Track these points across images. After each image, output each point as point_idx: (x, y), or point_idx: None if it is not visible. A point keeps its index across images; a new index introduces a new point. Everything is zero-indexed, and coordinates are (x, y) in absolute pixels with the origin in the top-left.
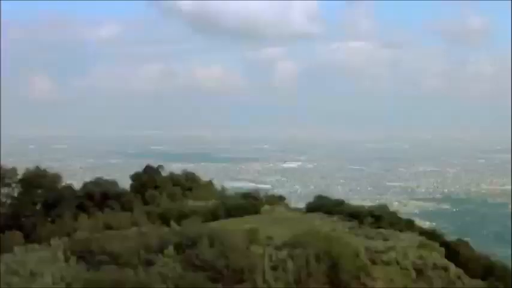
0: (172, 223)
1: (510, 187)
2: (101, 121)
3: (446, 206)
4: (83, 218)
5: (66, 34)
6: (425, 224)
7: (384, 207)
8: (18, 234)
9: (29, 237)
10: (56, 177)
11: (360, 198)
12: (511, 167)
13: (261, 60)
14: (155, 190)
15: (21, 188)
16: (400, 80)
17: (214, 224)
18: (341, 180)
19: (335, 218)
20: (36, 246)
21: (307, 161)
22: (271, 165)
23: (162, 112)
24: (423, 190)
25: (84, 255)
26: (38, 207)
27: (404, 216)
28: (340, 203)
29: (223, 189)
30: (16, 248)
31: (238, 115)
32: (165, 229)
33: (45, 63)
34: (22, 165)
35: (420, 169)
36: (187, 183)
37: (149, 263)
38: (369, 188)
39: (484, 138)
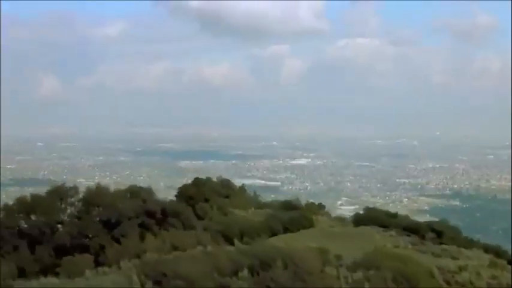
0: (238, 243)
1: None
2: (108, 119)
3: (455, 203)
4: (149, 238)
5: (72, 33)
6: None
7: (443, 222)
8: (87, 257)
9: (96, 259)
10: (117, 195)
11: (370, 195)
12: None
13: (268, 58)
14: (205, 203)
15: (82, 206)
16: (408, 77)
17: (276, 241)
18: (350, 177)
19: (393, 232)
20: (106, 269)
21: (316, 157)
22: (280, 162)
23: (170, 110)
24: (433, 187)
25: (159, 279)
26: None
27: (414, 213)
28: (393, 215)
29: (255, 195)
30: (87, 272)
31: (246, 112)
32: (231, 249)
33: (51, 62)
34: (31, 163)
35: (429, 165)
36: (224, 191)
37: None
38: (378, 185)
39: (493, 134)
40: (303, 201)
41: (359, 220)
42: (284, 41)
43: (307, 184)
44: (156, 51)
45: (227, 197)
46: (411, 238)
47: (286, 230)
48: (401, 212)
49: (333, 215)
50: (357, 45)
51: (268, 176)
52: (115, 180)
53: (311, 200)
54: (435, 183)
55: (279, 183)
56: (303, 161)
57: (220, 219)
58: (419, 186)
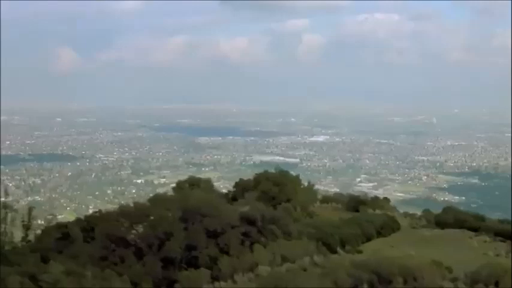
0: (343, 253)
1: None
2: (126, 94)
3: (474, 180)
4: (258, 249)
5: (90, 6)
6: (455, 199)
7: None
8: (204, 272)
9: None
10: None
11: (389, 172)
12: None
13: (287, 33)
14: (288, 203)
15: (186, 215)
16: (427, 53)
17: (380, 249)
18: (369, 154)
19: (486, 237)
20: (223, 284)
21: (335, 134)
22: (298, 139)
23: (187, 85)
24: (451, 164)
25: None
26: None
27: (433, 191)
28: (480, 217)
29: (310, 185)
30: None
31: (264, 88)
32: (343, 260)
33: (69, 36)
34: (49, 139)
35: (448, 143)
36: (281, 181)
37: None
38: (397, 162)
39: None
40: (322, 179)
41: (442, 221)
42: (303, 16)
43: (325, 161)
44: (175, 25)
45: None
46: (506, 245)
47: (378, 234)
48: (420, 189)
49: (352, 192)
50: (376, 21)
51: (287, 152)
52: (134, 156)
53: (329, 177)
54: (454, 161)
55: (297, 160)
56: (321, 138)
57: (312, 223)
58: (437, 164)
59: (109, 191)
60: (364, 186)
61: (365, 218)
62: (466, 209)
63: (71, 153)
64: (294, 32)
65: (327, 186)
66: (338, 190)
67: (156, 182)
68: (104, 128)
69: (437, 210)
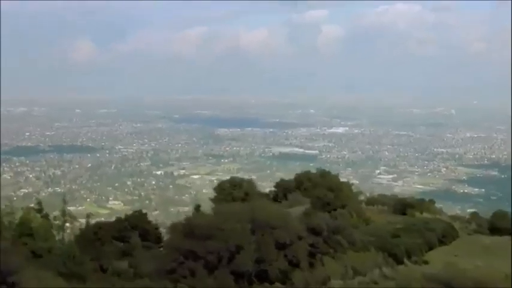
0: (410, 264)
1: None
2: (145, 85)
3: (494, 173)
4: (329, 261)
5: None
6: (474, 191)
7: None
8: (278, 287)
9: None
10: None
11: (408, 164)
12: None
13: (306, 23)
14: (343, 210)
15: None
16: (447, 44)
17: (438, 259)
18: (388, 146)
19: None
20: None
21: (354, 126)
22: (318, 130)
23: (206, 76)
24: (471, 156)
25: None
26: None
27: (453, 182)
28: None
29: (355, 188)
30: None
31: (283, 79)
32: (405, 270)
33: (88, 27)
34: (69, 130)
35: (467, 135)
36: (325, 183)
37: None
38: (416, 154)
39: None
40: (342, 171)
41: (496, 227)
42: (322, 6)
43: (345, 153)
44: (194, 17)
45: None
46: None
47: (439, 242)
48: (440, 181)
49: (372, 184)
50: (396, 11)
51: (306, 144)
52: (153, 147)
53: (349, 169)
54: (473, 153)
55: (317, 151)
56: (340, 130)
57: (370, 231)
58: (457, 156)
59: (129, 183)
60: (383, 178)
61: (423, 224)
62: (485, 201)
63: (90, 144)
64: (313, 23)
65: (346, 178)
66: (357, 182)
67: (175, 173)
68: (124, 119)
69: (457, 203)
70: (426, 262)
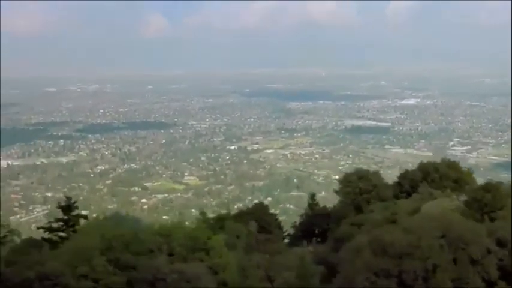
0: None
1: None
2: (214, 59)
3: None
4: None
5: None
6: None
7: None
8: None
9: None
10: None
11: (482, 136)
12: None
13: None
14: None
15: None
16: None
17: None
18: (460, 117)
19: None
20: None
21: (425, 97)
22: (389, 102)
23: (275, 49)
24: None
25: None
26: None
27: None
28: None
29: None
30: None
31: (352, 51)
32: None
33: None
34: (142, 106)
35: None
36: (452, 174)
37: None
38: (489, 125)
39: None
40: (415, 143)
41: None
42: None
43: (417, 125)
44: None
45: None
46: None
47: None
48: None
49: (446, 156)
50: None
51: (378, 116)
52: (226, 122)
53: (422, 141)
54: None
55: (389, 124)
56: (412, 101)
57: None
58: None
59: (203, 158)
60: (457, 150)
61: None
62: None
63: (163, 120)
64: None
65: (419, 151)
66: (431, 154)
67: (249, 148)
68: (195, 94)
69: None
70: None
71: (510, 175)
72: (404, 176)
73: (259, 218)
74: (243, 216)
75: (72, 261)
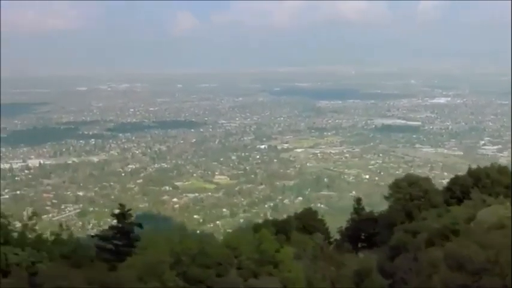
0: None
1: None
2: (244, 58)
3: None
4: None
5: None
6: None
7: None
8: None
9: None
10: None
11: None
12: None
13: None
14: None
15: None
16: None
17: None
18: (491, 116)
19: None
20: None
21: (456, 96)
22: (419, 101)
23: (303, 47)
24: None
25: None
26: None
27: None
28: None
29: None
30: None
31: (381, 49)
32: None
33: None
34: (172, 105)
35: None
36: (503, 179)
37: None
38: None
39: None
40: (446, 142)
41: None
42: None
43: (448, 124)
44: None
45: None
46: None
47: None
48: None
49: (477, 155)
50: None
51: (408, 115)
52: (256, 121)
53: (452, 140)
54: None
55: (419, 123)
56: (442, 100)
57: None
58: None
59: (233, 157)
60: (488, 149)
61: None
62: None
63: (193, 119)
64: None
65: (450, 150)
66: (462, 153)
67: (279, 147)
68: (225, 93)
69: None
70: None
71: None
72: (455, 181)
73: (308, 223)
74: (291, 221)
75: (143, 276)
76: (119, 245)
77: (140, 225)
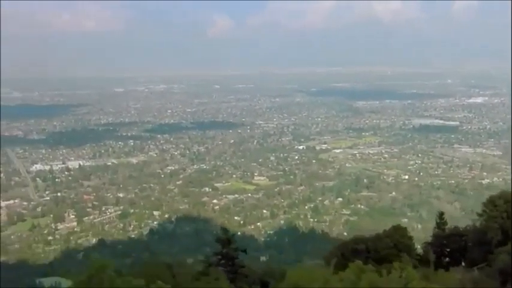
0: None
1: None
2: (279, 58)
3: None
4: None
5: None
6: None
7: None
8: None
9: None
10: None
11: None
12: None
13: None
14: None
15: None
16: None
17: None
18: None
19: None
20: None
21: (493, 95)
22: (456, 101)
23: (340, 47)
24: None
25: None
26: None
27: None
28: None
29: None
30: None
31: (417, 49)
32: None
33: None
34: (209, 106)
35: None
36: None
37: None
38: None
39: None
40: (484, 141)
41: None
42: None
43: (486, 123)
44: None
45: None
46: None
47: None
48: None
49: None
50: None
51: (445, 115)
52: (293, 122)
53: (491, 140)
54: None
55: (457, 122)
56: (479, 100)
57: None
58: None
59: (272, 158)
60: None
61: None
62: None
63: (231, 120)
64: None
65: (488, 150)
66: (501, 153)
67: (317, 148)
68: (262, 94)
69: None
70: None
71: None
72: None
73: (398, 241)
74: (382, 239)
75: None
76: (224, 271)
77: (245, 251)
